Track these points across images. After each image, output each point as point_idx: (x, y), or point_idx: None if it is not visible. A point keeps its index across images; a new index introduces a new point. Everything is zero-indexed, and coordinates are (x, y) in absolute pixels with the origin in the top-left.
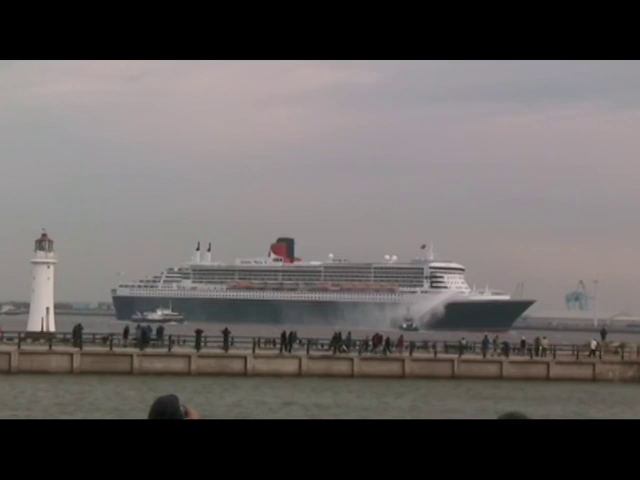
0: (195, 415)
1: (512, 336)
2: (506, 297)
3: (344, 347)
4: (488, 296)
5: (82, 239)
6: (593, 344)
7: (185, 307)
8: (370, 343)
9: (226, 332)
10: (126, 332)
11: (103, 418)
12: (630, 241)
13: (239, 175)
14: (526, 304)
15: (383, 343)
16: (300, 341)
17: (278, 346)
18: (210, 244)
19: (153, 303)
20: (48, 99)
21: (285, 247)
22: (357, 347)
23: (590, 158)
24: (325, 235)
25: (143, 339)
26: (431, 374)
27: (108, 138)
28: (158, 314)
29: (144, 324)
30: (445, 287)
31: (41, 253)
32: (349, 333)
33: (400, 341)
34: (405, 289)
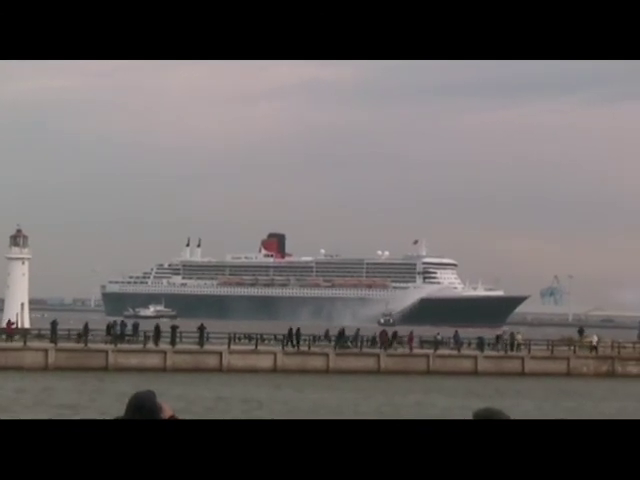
0: (169, 411)
1: (506, 332)
2: (499, 293)
3: (349, 344)
4: (481, 292)
5: (60, 235)
6: (595, 339)
7: (178, 303)
8: (377, 340)
9: (202, 328)
10: (109, 328)
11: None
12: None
13: (228, 171)
14: (519, 300)
15: (390, 339)
16: (313, 338)
17: (253, 342)
18: (200, 240)
19: (143, 299)
20: (23, 95)
21: (276, 242)
22: (357, 343)
23: (573, 154)
24: (316, 231)
25: (118, 335)
26: (406, 369)
27: (91, 135)
28: (151, 310)
29: (121, 320)
30: (438, 283)
31: (16, 249)
32: (358, 330)
33: (410, 337)
34: (398, 285)
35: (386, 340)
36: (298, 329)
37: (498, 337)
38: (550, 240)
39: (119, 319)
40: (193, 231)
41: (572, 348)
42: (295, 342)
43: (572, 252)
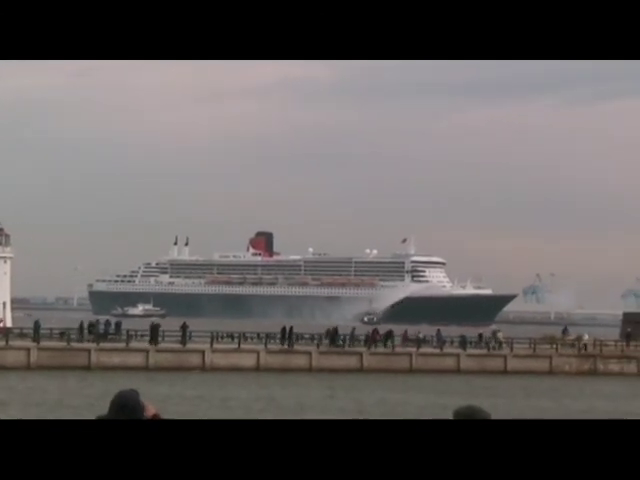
0: (152, 410)
1: (487, 331)
2: (487, 291)
3: (341, 342)
4: (470, 290)
5: (43, 234)
6: (585, 337)
7: (166, 302)
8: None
9: (184, 326)
10: (89, 326)
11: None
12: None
13: (214, 170)
14: (508, 298)
15: (382, 338)
16: (297, 336)
17: (236, 340)
18: (188, 238)
19: (131, 298)
20: (3, 94)
21: (264, 241)
22: (348, 342)
23: (550, 154)
24: (304, 229)
25: (101, 333)
26: (389, 368)
27: (73, 133)
28: (139, 309)
29: (106, 319)
30: (427, 281)
31: None
32: (354, 329)
33: (404, 336)
34: (386, 283)
35: (375, 339)
36: (291, 328)
37: (481, 335)
38: (534, 239)
39: (105, 318)
40: (181, 230)
41: (554, 346)
42: (290, 341)
43: (555, 251)
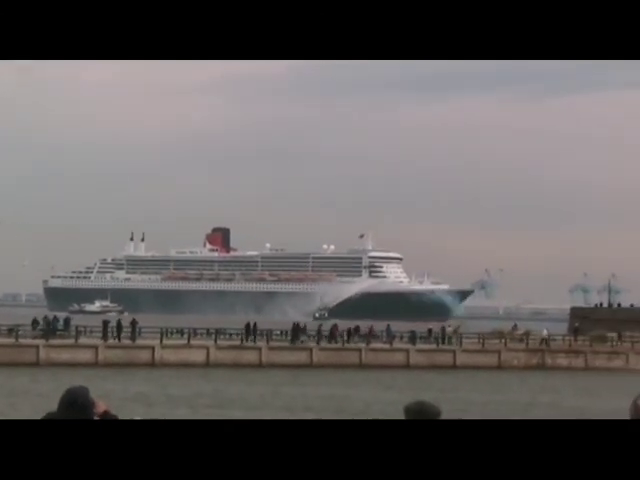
0: (102, 406)
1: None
2: (445, 287)
3: (303, 339)
4: (427, 285)
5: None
6: (545, 333)
7: (123, 298)
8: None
9: (134, 322)
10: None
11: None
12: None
13: (168, 165)
14: (465, 293)
15: (345, 334)
16: (261, 332)
17: (186, 336)
18: (144, 234)
19: (86, 294)
20: None
21: (221, 237)
22: (313, 338)
23: (497, 149)
24: (261, 225)
25: (49, 329)
26: (339, 363)
27: (30, 129)
28: (96, 305)
29: (52, 315)
30: (384, 277)
31: None
32: (336, 326)
33: (369, 331)
34: (344, 279)
35: (335, 335)
36: (255, 324)
37: (430, 330)
38: (483, 235)
39: (64, 314)
40: (135, 225)
41: (503, 341)
42: (252, 337)
43: (504, 247)
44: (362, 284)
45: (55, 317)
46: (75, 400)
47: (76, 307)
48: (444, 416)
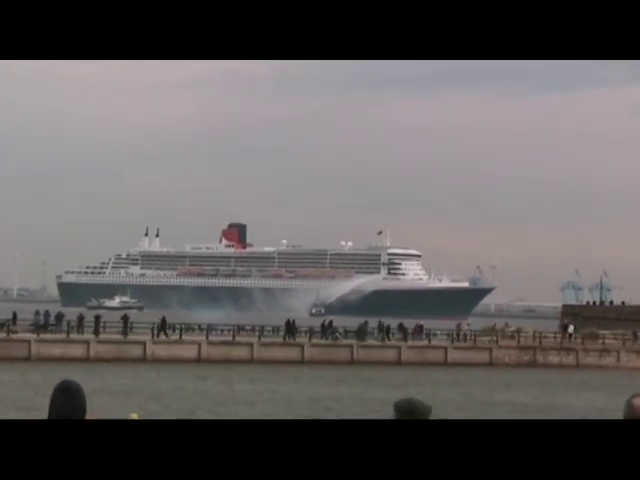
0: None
1: (471, 323)
2: (464, 284)
3: (337, 335)
4: (447, 283)
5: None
6: (571, 328)
7: (139, 294)
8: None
9: (125, 318)
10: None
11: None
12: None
13: (182, 159)
14: (485, 291)
15: (384, 331)
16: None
17: (177, 333)
18: (158, 229)
19: (101, 290)
20: None
21: (237, 233)
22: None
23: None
24: (278, 221)
25: (41, 324)
26: (330, 359)
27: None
28: (116, 301)
29: (44, 310)
30: (403, 274)
31: None
32: (366, 323)
33: (415, 330)
34: (362, 276)
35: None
36: (294, 321)
37: (421, 327)
38: (476, 233)
39: (79, 310)
40: (151, 221)
41: (495, 338)
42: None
43: (496, 244)
44: (356, 282)
45: (47, 312)
46: (69, 386)
47: (95, 303)
48: (434, 414)
